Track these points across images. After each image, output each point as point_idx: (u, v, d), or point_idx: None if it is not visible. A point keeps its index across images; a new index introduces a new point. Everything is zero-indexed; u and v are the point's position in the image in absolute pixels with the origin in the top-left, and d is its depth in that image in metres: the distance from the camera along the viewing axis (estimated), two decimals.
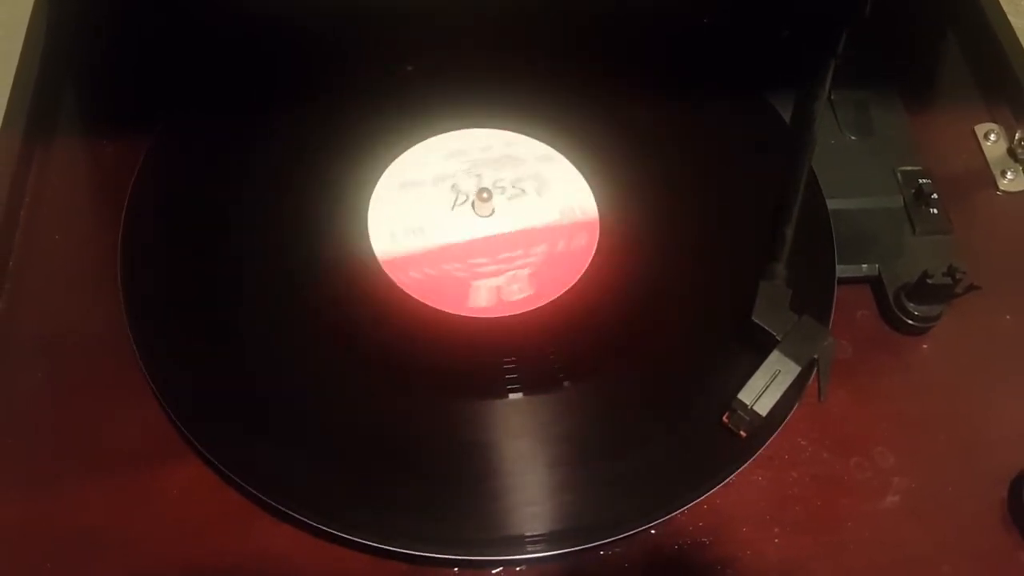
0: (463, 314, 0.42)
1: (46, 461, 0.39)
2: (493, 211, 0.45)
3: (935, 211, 0.45)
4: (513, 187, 0.45)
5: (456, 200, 0.45)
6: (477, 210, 0.44)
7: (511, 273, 0.43)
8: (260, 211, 0.44)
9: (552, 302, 0.42)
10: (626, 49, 0.51)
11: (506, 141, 0.47)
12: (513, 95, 0.48)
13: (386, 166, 0.46)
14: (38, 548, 0.37)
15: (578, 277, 0.43)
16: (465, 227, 0.44)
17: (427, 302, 0.42)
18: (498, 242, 0.44)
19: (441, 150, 0.46)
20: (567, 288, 0.42)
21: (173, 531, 0.37)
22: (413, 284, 0.42)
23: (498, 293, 0.42)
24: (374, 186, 0.45)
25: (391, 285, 0.42)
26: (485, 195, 0.44)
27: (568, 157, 0.47)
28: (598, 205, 0.45)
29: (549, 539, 0.36)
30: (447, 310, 0.42)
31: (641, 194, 0.45)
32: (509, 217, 0.45)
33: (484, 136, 0.47)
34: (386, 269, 0.43)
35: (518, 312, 0.42)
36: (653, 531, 0.37)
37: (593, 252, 0.44)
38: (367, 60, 0.50)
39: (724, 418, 0.38)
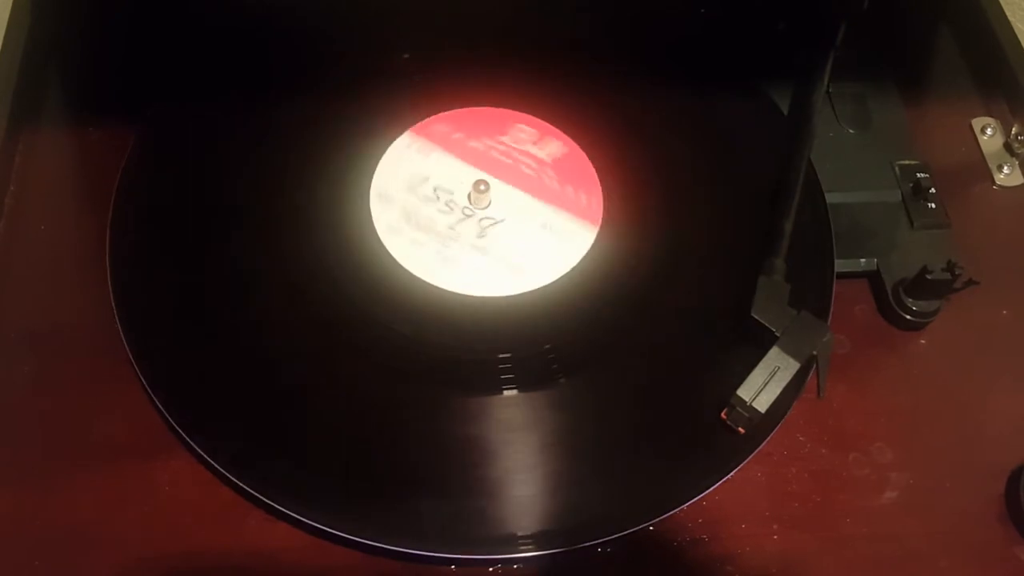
0: (455, 291, 0.41)
1: (34, 456, 0.38)
2: (489, 203, 0.44)
3: (933, 205, 0.45)
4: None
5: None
6: (472, 200, 0.44)
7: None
8: (250, 201, 0.43)
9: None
10: (620, 42, 0.51)
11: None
12: (516, 86, 0.48)
13: (384, 150, 0.45)
14: (27, 544, 0.36)
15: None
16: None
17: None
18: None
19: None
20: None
21: (164, 527, 0.37)
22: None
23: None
24: (373, 174, 0.44)
25: (387, 277, 0.42)
26: (482, 187, 0.43)
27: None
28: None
29: (547, 537, 0.36)
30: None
31: (638, 188, 0.45)
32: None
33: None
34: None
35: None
36: (652, 528, 0.37)
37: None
38: (362, 45, 0.49)
39: (723, 414, 0.38)
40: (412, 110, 0.46)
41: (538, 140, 0.46)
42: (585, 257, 0.43)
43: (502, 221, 0.44)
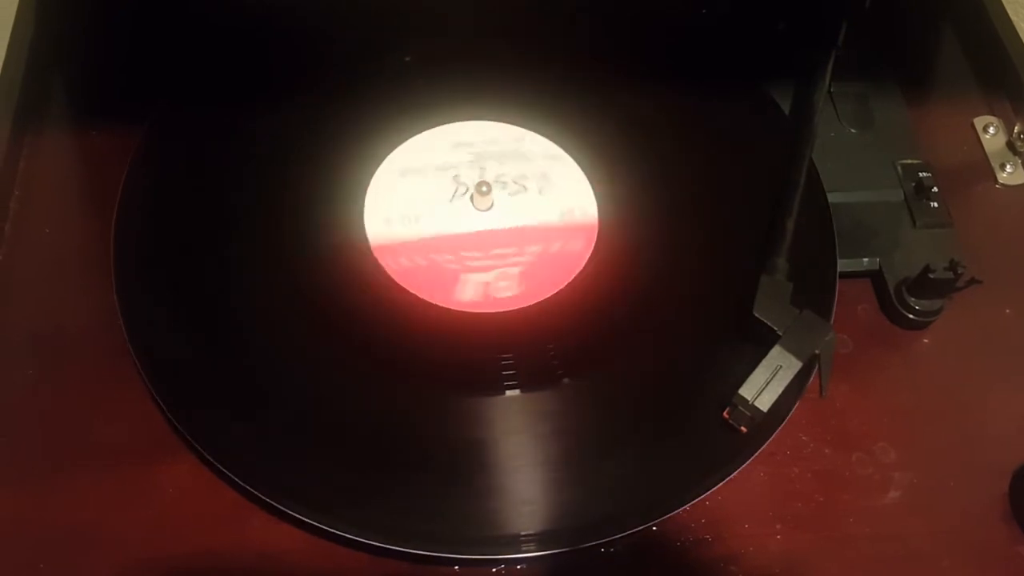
0: (456, 308, 0.41)
1: (38, 457, 0.38)
2: (492, 205, 0.44)
3: (935, 204, 0.45)
4: (515, 183, 0.45)
5: (456, 192, 0.44)
6: (476, 203, 0.44)
7: (501, 270, 0.42)
8: (255, 203, 0.43)
9: (552, 295, 0.42)
10: (622, 44, 0.51)
11: (514, 136, 0.46)
12: (524, 91, 0.48)
13: (388, 152, 0.45)
14: (30, 545, 0.36)
15: (571, 278, 0.42)
16: (462, 219, 0.44)
17: (418, 293, 0.41)
18: (493, 237, 0.44)
19: (447, 140, 0.46)
20: (556, 291, 0.42)
21: (167, 528, 0.37)
22: (402, 272, 0.42)
23: (486, 289, 0.41)
24: (373, 172, 0.45)
25: (385, 275, 0.42)
26: (484, 188, 0.43)
27: (572, 155, 0.46)
28: (598, 199, 0.45)
29: (550, 537, 0.36)
30: (440, 303, 0.41)
31: (641, 186, 0.45)
32: (507, 213, 0.44)
33: (492, 129, 0.46)
34: (376, 255, 0.42)
35: (509, 309, 0.41)
36: (655, 528, 0.37)
37: (587, 257, 0.43)
38: (371, 47, 0.49)
39: (725, 414, 0.38)
40: (425, 112, 0.46)
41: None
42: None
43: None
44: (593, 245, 0.43)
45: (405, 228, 0.43)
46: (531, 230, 0.44)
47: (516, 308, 0.41)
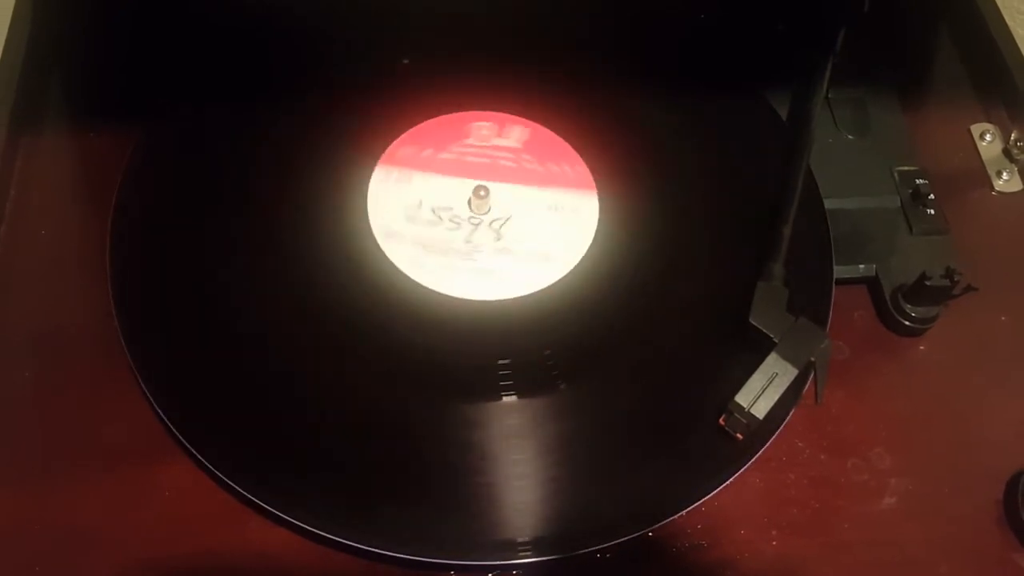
0: (455, 309, 0.41)
1: (34, 460, 0.38)
2: (490, 209, 0.44)
3: (932, 211, 0.45)
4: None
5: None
6: (474, 207, 0.44)
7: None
8: (252, 206, 0.43)
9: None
10: (620, 46, 0.51)
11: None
12: (522, 91, 0.48)
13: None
14: (27, 548, 0.36)
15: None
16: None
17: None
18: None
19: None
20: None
21: (164, 531, 0.37)
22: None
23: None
24: (371, 175, 0.44)
25: (388, 276, 0.42)
26: (482, 193, 0.43)
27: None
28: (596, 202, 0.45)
29: (546, 543, 0.36)
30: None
31: (637, 194, 0.45)
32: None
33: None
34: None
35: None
36: (651, 534, 0.37)
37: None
38: (370, 47, 0.49)
39: (721, 421, 0.38)
40: (373, 138, 0.46)
41: (501, 131, 0.46)
42: (593, 241, 0.43)
43: (511, 217, 0.44)
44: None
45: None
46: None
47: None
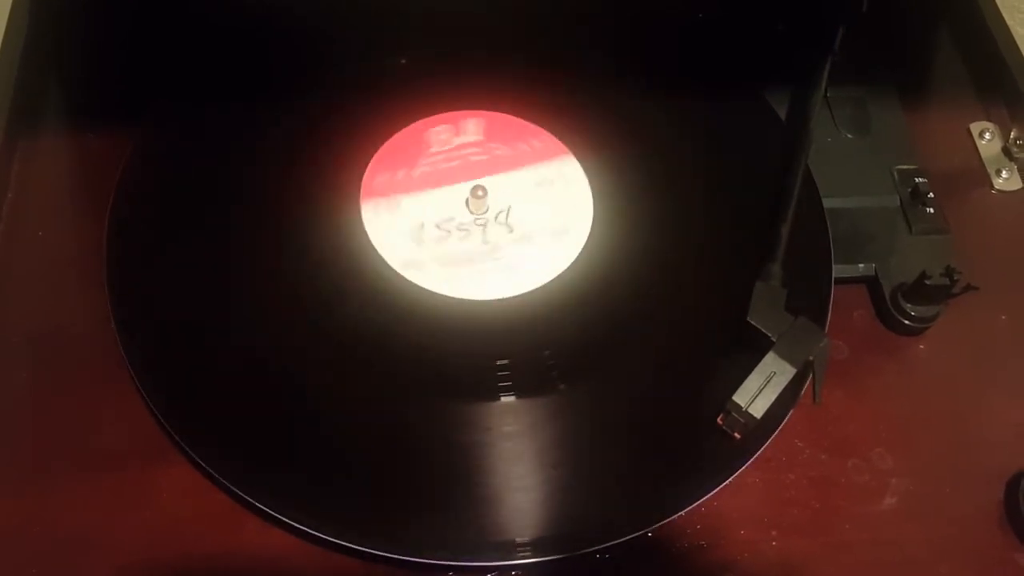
0: (454, 309, 0.41)
1: (31, 462, 0.38)
2: (487, 209, 0.44)
3: (931, 210, 0.45)
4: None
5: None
6: (471, 207, 0.44)
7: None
8: (250, 207, 0.43)
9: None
10: (618, 45, 0.51)
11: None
12: (519, 92, 0.47)
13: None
14: (24, 550, 0.36)
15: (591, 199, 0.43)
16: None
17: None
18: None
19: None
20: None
21: (162, 533, 0.37)
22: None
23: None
24: (360, 213, 0.44)
25: (385, 278, 0.42)
26: (480, 192, 0.43)
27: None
28: (593, 200, 0.45)
29: (544, 543, 0.36)
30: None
31: (634, 193, 0.45)
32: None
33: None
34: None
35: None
36: (650, 534, 0.37)
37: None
38: (369, 47, 0.49)
39: (719, 420, 0.38)
40: (416, 112, 0.46)
41: (458, 130, 0.46)
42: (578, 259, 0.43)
43: (510, 206, 0.44)
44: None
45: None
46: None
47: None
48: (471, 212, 0.44)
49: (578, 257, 0.43)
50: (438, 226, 0.43)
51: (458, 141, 0.45)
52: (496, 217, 0.43)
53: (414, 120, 0.46)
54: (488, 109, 0.47)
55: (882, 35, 0.51)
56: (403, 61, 0.49)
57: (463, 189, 0.44)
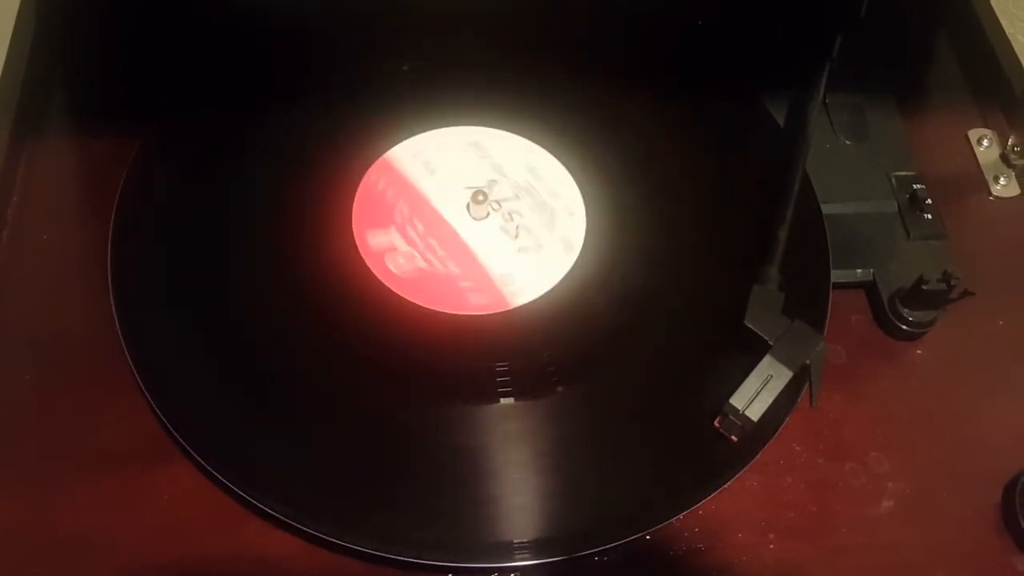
0: (454, 312, 0.41)
1: (34, 463, 0.38)
2: (488, 214, 0.44)
3: (929, 216, 0.45)
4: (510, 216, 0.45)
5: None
6: (472, 212, 0.44)
7: (416, 253, 0.43)
8: (253, 210, 0.44)
9: (543, 303, 0.42)
10: (616, 51, 0.51)
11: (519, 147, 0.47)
12: (518, 93, 0.48)
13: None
14: (26, 550, 0.36)
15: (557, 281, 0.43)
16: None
17: (418, 301, 0.41)
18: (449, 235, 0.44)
19: (461, 140, 0.46)
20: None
21: (163, 533, 0.37)
22: (401, 274, 0.42)
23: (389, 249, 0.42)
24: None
25: (383, 283, 0.42)
26: (480, 197, 0.44)
27: (560, 159, 0.46)
28: (587, 202, 0.45)
29: (543, 545, 0.36)
30: (440, 309, 0.41)
31: (632, 196, 0.45)
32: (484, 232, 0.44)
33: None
34: (374, 261, 0.42)
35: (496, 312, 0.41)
36: (648, 537, 0.37)
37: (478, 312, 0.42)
38: (373, 50, 0.50)
39: (716, 423, 0.38)
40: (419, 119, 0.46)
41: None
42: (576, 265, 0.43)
43: (516, 195, 0.45)
44: (493, 309, 0.42)
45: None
46: (471, 260, 0.43)
47: (506, 312, 0.41)
48: (472, 217, 0.44)
49: (576, 261, 0.43)
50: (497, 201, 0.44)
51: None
52: (510, 213, 0.44)
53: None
54: (485, 118, 0.47)
55: (881, 41, 0.51)
56: (405, 68, 0.49)
57: (468, 195, 0.44)
